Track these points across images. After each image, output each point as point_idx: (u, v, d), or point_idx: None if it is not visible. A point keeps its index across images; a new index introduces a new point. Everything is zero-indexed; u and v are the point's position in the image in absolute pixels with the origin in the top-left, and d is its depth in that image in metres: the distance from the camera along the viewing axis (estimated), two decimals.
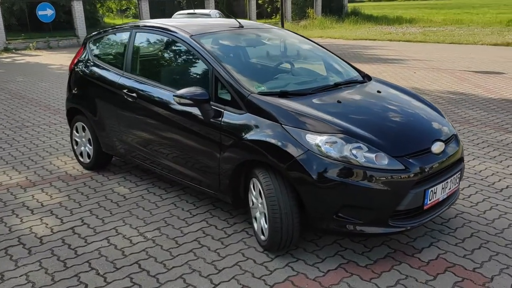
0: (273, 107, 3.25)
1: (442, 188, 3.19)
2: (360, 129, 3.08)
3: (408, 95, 3.87)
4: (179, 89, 3.72)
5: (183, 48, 3.92)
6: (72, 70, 5.07)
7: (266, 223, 3.20)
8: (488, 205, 3.99)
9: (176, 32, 3.98)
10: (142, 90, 4.06)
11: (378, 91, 3.76)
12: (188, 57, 3.92)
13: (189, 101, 3.44)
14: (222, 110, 3.44)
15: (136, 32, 4.35)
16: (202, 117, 3.52)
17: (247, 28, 4.32)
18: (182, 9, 34.60)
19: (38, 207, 4.13)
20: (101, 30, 4.99)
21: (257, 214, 3.37)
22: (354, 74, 4.12)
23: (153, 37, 4.28)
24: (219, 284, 2.96)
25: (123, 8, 32.60)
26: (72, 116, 5.06)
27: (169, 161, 3.95)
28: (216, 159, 3.48)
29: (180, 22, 4.35)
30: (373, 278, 2.99)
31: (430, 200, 3.11)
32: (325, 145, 2.97)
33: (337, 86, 3.76)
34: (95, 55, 4.85)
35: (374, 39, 20.84)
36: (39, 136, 6.40)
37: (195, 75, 3.88)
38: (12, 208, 4.12)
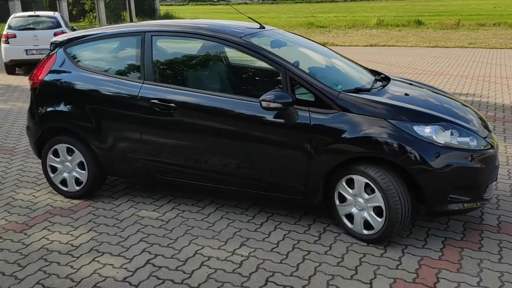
0: (371, 103, 3.37)
1: None
2: (449, 116, 3.43)
3: (425, 85, 4.36)
4: (244, 94, 3.56)
5: (233, 51, 3.69)
6: (41, 84, 4.20)
7: (377, 216, 3.30)
8: None
9: (220, 35, 3.71)
10: (186, 100, 3.67)
11: (411, 84, 4.17)
12: (242, 60, 3.71)
13: (279, 105, 3.31)
14: (307, 112, 3.40)
15: (152, 36, 3.87)
16: (281, 121, 3.42)
17: (268, 29, 4.24)
18: None
19: (72, 249, 3.41)
20: (78, 35, 4.25)
21: (354, 210, 3.44)
22: (370, 73, 4.39)
23: (185, 41, 3.89)
24: (371, 283, 2.98)
25: None
26: (46, 138, 4.21)
27: (231, 172, 3.68)
28: (304, 162, 3.43)
29: (201, 23, 4.03)
30: (481, 247, 3.38)
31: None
32: (434, 134, 3.24)
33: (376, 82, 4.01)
34: (83, 64, 4.13)
35: None
36: None
37: (261, 78, 3.71)
38: (40, 256, 3.32)
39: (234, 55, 3.91)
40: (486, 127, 3.68)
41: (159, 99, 3.73)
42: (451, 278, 3.01)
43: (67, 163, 4.18)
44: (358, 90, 3.58)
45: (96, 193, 4.35)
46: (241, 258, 3.26)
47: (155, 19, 28.34)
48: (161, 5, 31.87)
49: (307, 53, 4.35)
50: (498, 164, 3.57)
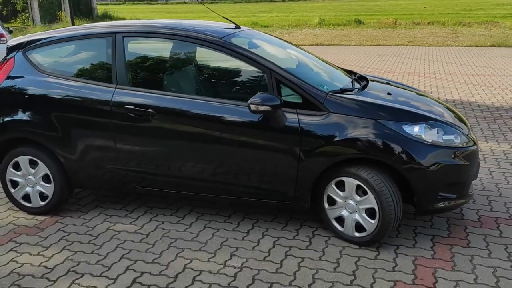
0: (360, 104, 3.32)
1: None
2: (433, 114, 3.45)
3: (400, 84, 4.38)
4: (228, 97, 3.42)
5: (213, 52, 3.52)
6: None
7: (370, 218, 3.26)
8: None
9: (200, 36, 3.53)
10: (166, 105, 3.46)
11: (387, 83, 4.17)
12: (224, 62, 3.54)
13: (268, 108, 3.19)
14: (294, 114, 3.30)
15: (123, 38, 3.62)
16: (269, 125, 3.30)
17: (244, 29, 4.09)
18: None
19: (47, 272, 3.12)
20: (39, 37, 3.91)
21: (344, 213, 3.38)
22: (346, 73, 4.34)
23: (160, 43, 3.66)
24: (372, 287, 2.92)
25: None
26: (5, 151, 3.85)
27: (216, 179, 3.51)
28: (293, 166, 3.32)
29: (175, 23, 3.81)
30: (468, 243, 3.42)
31: None
32: (423, 132, 3.23)
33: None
34: (46, 68, 3.80)
35: None
36: None
37: (244, 80, 3.56)
38: (12, 282, 3.01)
39: (213, 57, 3.74)
40: (465, 124, 3.73)
41: (135, 105, 3.49)
42: (448, 277, 3.00)
43: (30, 177, 3.84)
44: (343, 91, 3.52)
45: (62, 207, 4.03)
46: (235, 270, 3.11)
47: (92, 19, 27.30)
48: (98, 4, 30.68)
49: (284, 54, 4.23)
50: (479, 161, 3.62)
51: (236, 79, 3.69)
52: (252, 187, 3.48)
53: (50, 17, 26.50)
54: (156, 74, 3.78)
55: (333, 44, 18.05)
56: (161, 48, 3.87)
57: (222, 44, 3.47)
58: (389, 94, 3.70)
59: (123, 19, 28.71)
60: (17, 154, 3.81)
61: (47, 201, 3.86)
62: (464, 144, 3.38)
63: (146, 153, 3.57)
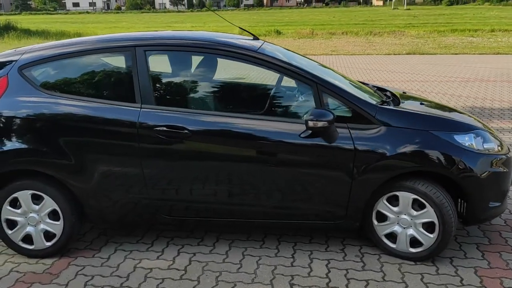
0: (410, 116, 3.24)
1: None
2: (473, 124, 3.45)
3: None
4: (272, 114, 3.21)
5: (248, 66, 3.24)
6: None
7: (428, 232, 3.17)
8: None
9: (234, 49, 3.24)
10: (203, 125, 3.11)
11: (404, 93, 4.14)
12: (261, 76, 3.28)
13: (325, 123, 2.99)
14: (346, 129, 3.13)
15: (145, 51, 3.22)
16: (320, 141, 3.10)
17: (263, 41, 3.84)
18: None
19: None
20: (37, 53, 3.34)
21: (397, 229, 3.27)
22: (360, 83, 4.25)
23: (188, 57, 3.31)
24: None
25: None
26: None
27: (260, 203, 3.23)
28: (346, 183, 3.15)
29: (200, 35, 3.47)
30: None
31: None
32: (473, 141, 3.22)
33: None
34: (52, 87, 3.27)
35: None
36: None
37: (286, 95, 3.30)
38: None
39: (240, 70, 3.46)
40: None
41: (167, 126, 3.10)
42: None
43: (32, 214, 3.28)
44: (383, 103, 3.42)
45: (68, 247, 3.49)
46: None
47: None
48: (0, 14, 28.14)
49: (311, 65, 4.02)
50: None
51: (275, 93, 3.45)
52: (300, 209, 3.25)
53: None
54: (186, 91, 3.41)
55: None
56: (183, 62, 3.50)
57: (259, 57, 3.21)
58: (422, 104, 3.66)
59: (28, 29, 26.73)
60: (15, 189, 3.24)
61: (54, 241, 3.32)
62: (501, 150, 3.41)
63: (180, 179, 3.19)
